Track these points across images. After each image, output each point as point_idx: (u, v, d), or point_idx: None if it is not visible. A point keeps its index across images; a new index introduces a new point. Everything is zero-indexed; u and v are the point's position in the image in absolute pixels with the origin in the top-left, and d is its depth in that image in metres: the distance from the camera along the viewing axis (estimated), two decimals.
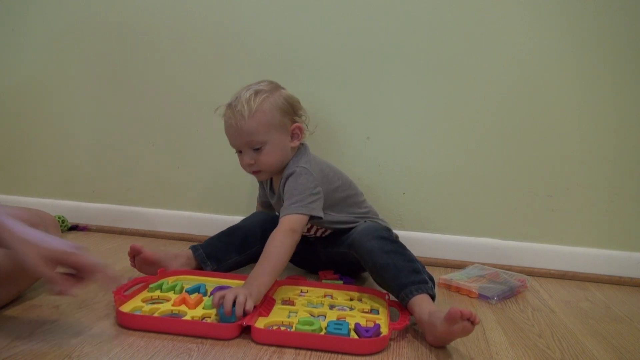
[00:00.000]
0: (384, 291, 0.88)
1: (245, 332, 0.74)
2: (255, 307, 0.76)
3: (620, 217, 1.19)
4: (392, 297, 0.86)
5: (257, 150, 0.95)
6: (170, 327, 0.73)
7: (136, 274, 1.00)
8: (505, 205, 1.23)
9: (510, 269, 1.19)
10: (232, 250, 1.02)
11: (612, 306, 1.02)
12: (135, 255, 0.95)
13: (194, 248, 1.02)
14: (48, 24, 1.38)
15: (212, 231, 1.29)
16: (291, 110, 0.98)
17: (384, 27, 1.22)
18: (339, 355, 0.69)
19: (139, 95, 1.36)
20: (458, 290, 1.03)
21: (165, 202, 1.38)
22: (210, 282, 0.94)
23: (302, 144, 1.03)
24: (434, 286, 0.84)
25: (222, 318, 0.74)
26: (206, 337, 0.72)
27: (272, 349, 0.70)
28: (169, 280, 0.91)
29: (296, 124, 0.98)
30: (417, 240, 1.26)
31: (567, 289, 1.13)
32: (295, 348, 0.70)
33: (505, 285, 1.04)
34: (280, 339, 0.71)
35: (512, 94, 1.20)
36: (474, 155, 1.23)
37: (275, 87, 0.99)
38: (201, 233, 1.34)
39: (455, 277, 1.07)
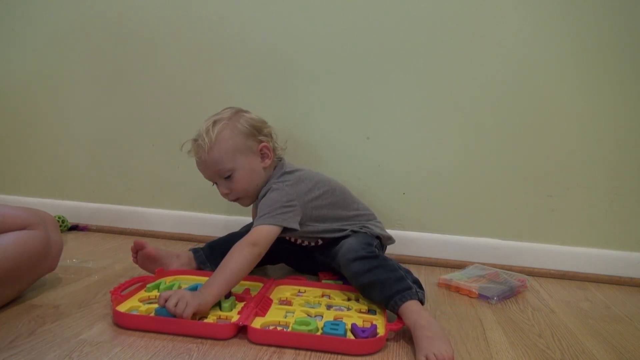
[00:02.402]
0: None
1: (243, 332, 0.74)
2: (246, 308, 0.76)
3: (620, 217, 1.19)
4: None
5: (229, 178, 0.95)
6: (166, 327, 0.73)
7: (135, 273, 1.00)
8: (505, 205, 1.23)
9: (510, 269, 1.19)
10: None
11: (612, 306, 1.02)
12: (138, 250, 0.96)
13: (194, 250, 1.03)
14: (48, 24, 1.39)
15: (211, 231, 1.30)
16: (255, 131, 0.97)
17: (383, 27, 1.22)
18: (339, 356, 0.69)
19: (139, 95, 1.36)
20: (458, 290, 1.03)
21: (166, 202, 1.39)
22: None
23: (279, 160, 1.02)
24: (421, 287, 0.84)
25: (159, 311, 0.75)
26: (202, 337, 0.72)
27: (272, 349, 0.70)
28: (167, 280, 0.92)
29: (262, 144, 0.97)
30: (417, 240, 1.26)
31: (567, 289, 1.13)
32: (294, 348, 0.70)
33: (505, 285, 1.04)
34: (276, 339, 0.71)
35: (512, 94, 1.20)
36: (474, 155, 1.23)
37: (235, 112, 0.98)
38: (201, 233, 1.34)
39: (455, 277, 1.07)
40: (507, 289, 1.02)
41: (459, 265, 1.21)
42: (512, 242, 1.23)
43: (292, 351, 0.70)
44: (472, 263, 1.20)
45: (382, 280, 0.83)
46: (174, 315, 0.73)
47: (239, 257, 0.83)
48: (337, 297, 0.90)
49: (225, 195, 0.98)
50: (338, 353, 0.70)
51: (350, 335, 0.73)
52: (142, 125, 1.37)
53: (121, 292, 0.82)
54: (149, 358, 0.65)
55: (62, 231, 1.32)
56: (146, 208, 1.39)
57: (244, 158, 0.95)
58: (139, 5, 1.33)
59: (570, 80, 1.18)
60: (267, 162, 0.98)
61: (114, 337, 0.71)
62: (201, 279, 0.94)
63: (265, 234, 0.87)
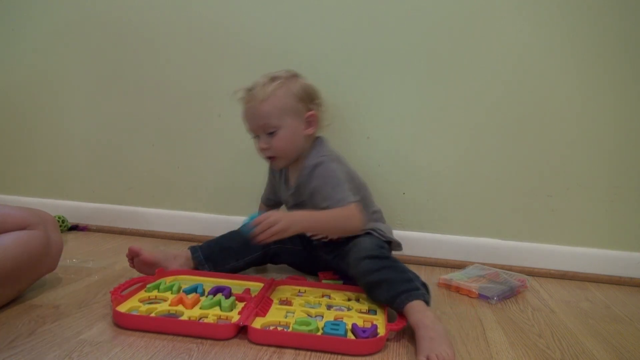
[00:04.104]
0: None
1: (243, 332, 0.74)
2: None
3: (620, 217, 1.19)
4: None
5: (271, 134, 0.97)
6: (166, 327, 0.73)
7: (135, 274, 1.00)
8: (505, 205, 1.23)
9: (510, 269, 1.19)
10: (230, 256, 1.01)
11: (612, 306, 1.02)
12: (133, 257, 0.95)
13: (192, 249, 1.02)
14: (47, 24, 1.39)
15: (211, 231, 1.30)
16: (307, 97, 0.99)
17: (383, 27, 1.22)
18: (339, 356, 0.69)
19: (139, 95, 1.36)
20: (458, 290, 1.03)
21: (165, 202, 1.39)
22: (208, 282, 0.94)
23: (318, 138, 1.04)
24: (428, 292, 0.84)
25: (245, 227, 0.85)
26: (202, 337, 0.72)
27: (272, 349, 0.70)
28: (167, 280, 0.91)
29: (311, 112, 0.99)
30: (417, 240, 1.26)
31: (567, 289, 1.13)
32: (294, 348, 0.70)
33: (505, 285, 1.04)
34: (276, 339, 0.71)
35: (512, 94, 1.20)
36: (474, 156, 1.23)
37: (293, 75, 1.01)
38: (201, 233, 1.34)
39: (455, 277, 1.07)
40: (507, 289, 1.02)
41: (459, 265, 1.21)
42: (512, 242, 1.23)
43: (292, 351, 0.70)
44: (472, 263, 1.20)
45: (390, 279, 0.83)
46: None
47: (352, 213, 0.90)
48: (338, 297, 0.90)
49: (263, 150, 0.99)
50: (338, 353, 0.70)
51: (350, 336, 0.73)
52: (142, 125, 1.37)
53: (121, 292, 0.82)
54: (149, 358, 0.65)
55: (62, 231, 1.31)
56: (146, 208, 1.39)
57: (291, 120, 0.97)
58: (138, 6, 1.33)
59: (570, 80, 1.17)
60: (311, 130, 1.00)
61: (114, 337, 0.71)
62: (202, 279, 0.95)
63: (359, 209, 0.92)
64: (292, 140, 0.98)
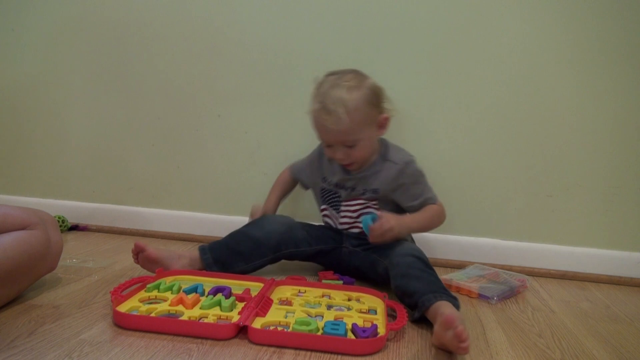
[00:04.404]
0: (383, 292, 0.89)
1: (243, 332, 0.74)
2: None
3: (620, 217, 1.19)
4: (390, 298, 0.87)
5: (350, 146, 0.97)
6: (166, 327, 0.73)
7: (135, 274, 1.00)
8: (505, 205, 1.23)
9: (510, 269, 1.19)
10: (239, 259, 1.00)
11: (612, 306, 1.02)
12: (138, 253, 0.95)
13: (202, 250, 1.00)
14: (47, 24, 1.39)
15: (211, 231, 1.30)
16: (378, 101, 0.99)
17: (383, 26, 1.22)
18: (339, 356, 0.69)
19: (139, 95, 1.36)
20: (458, 290, 1.03)
21: (165, 202, 1.39)
22: (208, 282, 0.94)
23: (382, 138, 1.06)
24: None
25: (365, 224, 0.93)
26: (202, 337, 0.72)
27: (272, 349, 0.70)
28: (167, 280, 0.91)
29: (384, 115, 0.99)
30: (417, 241, 1.26)
31: (567, 289, 1.13)
32: (294, 348, 0.70)
33: (505, 285, 1.04)
34: (276, 339, 0.71)
35: (512, 94, 1.20)
36: (474, 155, 1.23)
37: (361, 78, 0.97)
38: (201, 233, 1.34)
39: (455, 277, 1.07)
40: (507, 289, 1.02)
41: (459, 265, 1.21)
42: (512, 242, 1.24)
43: (292, 351, 0.70)
44: (472, 263, 1.20)
45: (431, 280, 0.85)
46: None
47: (439, 213, 1.01)
48: (338, 297, 0.90)
49: (340, 160, 1.00)
50: (338, 353, 0.70)
51: (350, 335, 0.73)
52: (142, 125, 1.37)
53: (121, 292, 0.82)
54: (149, 358, 0.65)
55: (62, 231, 1.31)
56: (146, 208, 1.39)
57: (368, 129, 0.98)
58: (139, 6, 1.33)
59: (570, 80, 1.18)
60: (383, 132, 1.02)
61: (114, 337, 0.71)
62: (202, 279, 0.95)
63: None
64: (370, 147, 1.00)
